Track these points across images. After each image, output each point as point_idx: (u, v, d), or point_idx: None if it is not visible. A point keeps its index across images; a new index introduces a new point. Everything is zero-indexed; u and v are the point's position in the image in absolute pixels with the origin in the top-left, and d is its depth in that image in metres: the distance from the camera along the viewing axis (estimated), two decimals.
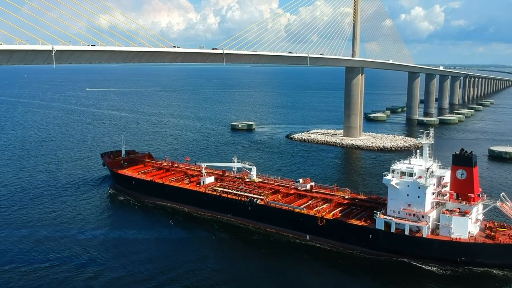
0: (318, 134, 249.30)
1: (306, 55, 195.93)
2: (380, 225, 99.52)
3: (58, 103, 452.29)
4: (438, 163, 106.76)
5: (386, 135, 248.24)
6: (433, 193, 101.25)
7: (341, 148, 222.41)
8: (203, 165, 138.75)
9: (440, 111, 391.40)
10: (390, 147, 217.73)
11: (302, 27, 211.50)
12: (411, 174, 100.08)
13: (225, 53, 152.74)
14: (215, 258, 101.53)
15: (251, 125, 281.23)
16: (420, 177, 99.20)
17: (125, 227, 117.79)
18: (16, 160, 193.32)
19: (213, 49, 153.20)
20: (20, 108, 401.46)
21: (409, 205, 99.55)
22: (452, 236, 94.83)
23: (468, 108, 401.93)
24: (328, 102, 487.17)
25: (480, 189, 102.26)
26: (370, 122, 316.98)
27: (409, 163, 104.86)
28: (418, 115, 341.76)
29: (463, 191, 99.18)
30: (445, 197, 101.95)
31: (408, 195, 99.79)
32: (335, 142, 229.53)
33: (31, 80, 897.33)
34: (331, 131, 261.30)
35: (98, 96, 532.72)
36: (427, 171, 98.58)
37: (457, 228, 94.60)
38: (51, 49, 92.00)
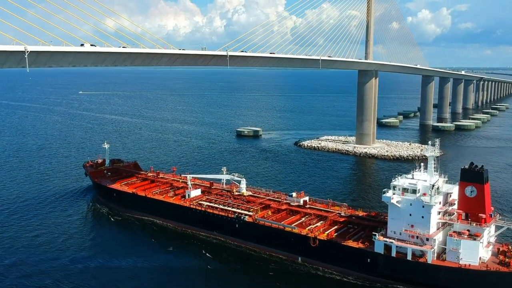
0: (328, 142, 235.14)
1: (318, 58, 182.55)
2: (379, 248, 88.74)
3: (60, 107, 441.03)
4: (444, 177, 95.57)
5: (401, 143, 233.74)
6: (439, 213, 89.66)
7: (353, 157, 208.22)
8: (189, 176, 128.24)
9: (454, 116, 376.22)
10: (407, 156, 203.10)
11: (309, 30, 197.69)
12: (414, 191, 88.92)
13: (230, 55, 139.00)
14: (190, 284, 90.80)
15: (258, 131, 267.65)
16: (424, 194, 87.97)
17: (104, 249, 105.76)
18: (7, 170, 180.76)
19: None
20: (20, 112, 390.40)
21: (412, 226, 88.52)
22: (460, 263, 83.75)
23: (484, 113, 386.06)
24: (337, 106, 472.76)
25: (493, 208, 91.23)
26: (382, 127, 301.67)
27: (412, 178, 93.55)
28: (432, 121, 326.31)
29: (473, 211, 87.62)
30: (452, 217, 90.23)
31: (410, 214, 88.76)
32: (347, 150, 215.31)
33: (36, 83, 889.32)
34: (342, 138, 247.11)
35: (102, 100, 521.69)
36: (432, 188, 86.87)
37: (466, 253, 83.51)
38: (23, 50, 78.88)
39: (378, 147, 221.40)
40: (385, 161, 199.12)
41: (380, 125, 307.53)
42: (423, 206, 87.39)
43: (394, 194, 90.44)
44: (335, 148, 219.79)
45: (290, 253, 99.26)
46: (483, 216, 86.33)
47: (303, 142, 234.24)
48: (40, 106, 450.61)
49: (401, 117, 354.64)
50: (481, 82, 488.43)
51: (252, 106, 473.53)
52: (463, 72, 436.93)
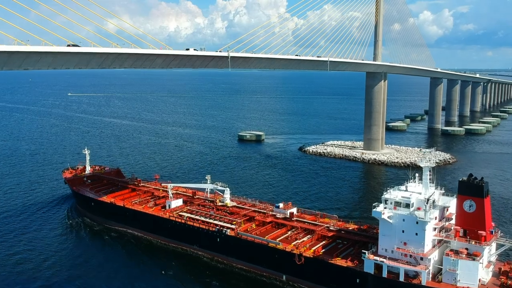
0: (335, 147, 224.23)
1: (326, 59, 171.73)
2: (369, 268, 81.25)
3: (58, 109, 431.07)
4: (441, 189, 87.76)
5: (410, 148, 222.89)
6: (434, 229, 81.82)
7: (361, 164, 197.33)
8: (170, 185, 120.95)
9: (462, 119, 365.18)
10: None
11: (312, 31, 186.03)
12: (407, 205, 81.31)
13: (231, 56, 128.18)
14: None
15: (260, 135, 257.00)
16: (418, 208, 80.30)
17: (78, 268, 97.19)
18: None
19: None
20: (17, 115, 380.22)
21: (405, 243, 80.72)
22: (458, 285, 76.28)
23: (493, 116, 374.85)
24: (342, 109, 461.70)
25: (494, 224, 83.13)
26: (389, 132, 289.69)
27: (406, 190, 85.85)
28: (441, 124, 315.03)
29: (471, 227, 79.48)
30: (449, 234, 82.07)
31: (403, 231, 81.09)
32: (355, 157, 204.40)
33: (36, 85, 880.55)
34: (349, 143, 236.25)
35: (101, 102, 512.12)
36: (427, 202, 79.22)
37: (464, 275, 75.85)
38: None
39: (387, 153, 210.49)
40: (395, 169, 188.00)
41: (387, 129, 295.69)
42: (417, 222, 79.57)
43: (385, 208, 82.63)
44: (342, 154, 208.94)
45: (275, 271, 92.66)
46: (483, 233, 78.29)
47: (308, 148, 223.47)
48: (61, 111, 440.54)
49: (408, 120, 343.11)
50: (489, 84, 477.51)
51: (254, 108, 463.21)
52: (478, 75, 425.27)
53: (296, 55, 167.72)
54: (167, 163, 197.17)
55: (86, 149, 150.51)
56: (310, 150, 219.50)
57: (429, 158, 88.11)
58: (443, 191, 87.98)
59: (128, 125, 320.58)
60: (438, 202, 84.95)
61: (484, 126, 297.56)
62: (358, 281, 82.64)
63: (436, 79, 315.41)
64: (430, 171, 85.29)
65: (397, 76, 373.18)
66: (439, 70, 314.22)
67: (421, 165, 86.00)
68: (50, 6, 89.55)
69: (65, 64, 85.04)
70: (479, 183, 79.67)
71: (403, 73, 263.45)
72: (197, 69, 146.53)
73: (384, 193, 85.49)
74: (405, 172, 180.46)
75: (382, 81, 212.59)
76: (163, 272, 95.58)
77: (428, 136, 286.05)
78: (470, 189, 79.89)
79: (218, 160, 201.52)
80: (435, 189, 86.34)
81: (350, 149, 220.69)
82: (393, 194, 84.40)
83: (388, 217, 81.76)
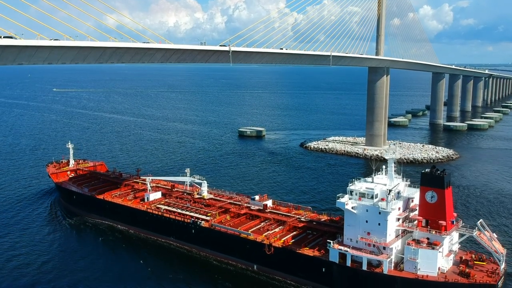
0: (336, 143, 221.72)
1: (329, 54, 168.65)
2: (334, 257, 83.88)
3: (58, 105, 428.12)
4: (407, 181, 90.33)
5: (413, 144, 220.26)
6: (398, 219, 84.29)
7: (364, 160, 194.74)
8: (148, 178, 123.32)
9: (463, 114, 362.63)
10: (421, 159, 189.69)
11: (314, 26, 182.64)
12: (371, 196, 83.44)
13: (232, 51, 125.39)
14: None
15: (261, 131, 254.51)
16: (382, 199, 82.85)
17: (55, 258, 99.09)
18: None
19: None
20: (16, 111, 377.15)
21: (368, 233, 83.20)
22: (418, 273, 78.81)
23: (495, 111, 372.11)
24: (343, 104, 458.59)
25: (455, 215, 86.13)
26: (391, 127, 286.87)
27: (372, 182, 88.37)
28: (443, 120, 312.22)
29: (433, 218, 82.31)
30: (412, 224, 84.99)
31: (367, 221, 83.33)
32: (357, 153, 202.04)
33: (35, 80, 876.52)
34: (351, 139, 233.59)
35: (101, 98, 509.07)
36: (389, 193, 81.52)
37: (424, 263, 78.74)
38: None
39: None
40: (398, 165, 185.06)
41: (389, 124, 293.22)
42: (379, 213, 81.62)
43: (351, 199, 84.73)
44: (344, 150, 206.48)
45: (246, 261, 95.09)
46: (443, 223, 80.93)
47: (310, 144, 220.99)
48: (60, 107, 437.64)
49: (409, 115, 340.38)
50: (490, 79, 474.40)
51: (255, 104, 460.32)
52: (487, 71, 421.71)
53: (298, 50, 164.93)
54: (163, 158, 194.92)
55: (69, 143, 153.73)
56: (312, 146, 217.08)
57: (393, 150, 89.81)
58: (409, 183, 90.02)
59: (127, 120, 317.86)
60: (403, 193, 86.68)
61: (486, 122, 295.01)
62: (324, 270, 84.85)
63: (438, 74, 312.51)
64: (395, 163, 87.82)
65: (397, 71, 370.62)
66: (442, 65, 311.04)
67: (386, 157, 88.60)
68: (50, 1, 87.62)
69: (61, 58, 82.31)
70: (440, 175, 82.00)
71: (406, 68, 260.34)
72: (198, 65, 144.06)
73: (350, 184, 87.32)
74: (407, 168, 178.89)
75: (385, 76, 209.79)
76: (141, 261, 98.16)
77: (430, 132, 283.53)
78: (431, 181, 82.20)
79: (217, 157, 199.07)
80: (402, 180, 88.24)
81: (352, 145, 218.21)
82: (358, 185, 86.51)
83: (352, 208, 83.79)
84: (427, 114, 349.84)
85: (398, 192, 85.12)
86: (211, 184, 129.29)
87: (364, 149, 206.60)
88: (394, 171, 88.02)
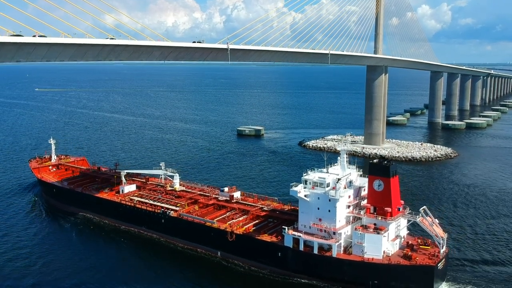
0: (335, 141, 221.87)
1: (327, 52, 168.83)
2: (288, 242, 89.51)
3: (57, 105, 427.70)
4: (359, 171, 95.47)
5: (411, 143, 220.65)
6: (348, 206, 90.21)
7: (362, 159, 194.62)
8: (123, 172, 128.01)
9: (462, 113, 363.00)
10: (420, 157, 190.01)
11: (312, 26, 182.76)
12: (323, 185, 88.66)
13: (231, 49, 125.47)
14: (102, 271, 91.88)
15: (260, 130, 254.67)
16: (333, 188, 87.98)
17: (36, 249, 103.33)
18: None
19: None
20: (16, 110, 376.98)
21: (320, 219, 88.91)
22: (364, 256, 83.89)
23: (493, 110, 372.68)
24: (341, 103, 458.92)
25: (402, 202, 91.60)
26: (389, 126, 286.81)
27: (326, 172, 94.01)
28: (441, 118, 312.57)
29: (380, 205, 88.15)
30: (362, 211, 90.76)
31: (318, 208, 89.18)
32: (355, 151, 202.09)
33: (33, 80, 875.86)
34: (349, 138, 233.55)
35: (100, 97, 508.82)
36: (338, 182, 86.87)
37: (370, 247, 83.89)
38: None
39: (388, 147, 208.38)
40: (396, 163, 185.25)
41: (387, 123, 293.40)
42: (329, 200, 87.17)
43: (305, 188, 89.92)
44: (341, 149, 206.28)
45: (211, 248, 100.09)
46: (389, 209, 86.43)
47: (308, 142, 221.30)
48: (60, 106, 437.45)
49: (408, 114, 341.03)
50: (488, 78, 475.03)
51: (253, 103, 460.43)
52: (487, 70, 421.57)
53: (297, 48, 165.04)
54: (163, 156, 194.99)
55: (52, 139, 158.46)
56: (310, 145, 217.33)
57: (345, 142, 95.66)
58: (361, 173, 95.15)
59: (128, 120, 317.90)
60: (355, 182, 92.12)
61: (485, 120, 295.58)
62: (279, 255, 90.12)
63: (437, 73, 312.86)
64: (346, 154, 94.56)
65: (396, 70, 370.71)
66: (441, 64, 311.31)
67: (338, 149, 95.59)
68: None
69: (60, 56, 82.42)
70: (386, 165, 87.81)
71: (404, 67, 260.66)
72: (197, 65, 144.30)
73: (304, 174, 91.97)
74: (405, 166, 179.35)
75: (383, 74, 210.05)
76: (114, 250, 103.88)
77: (428, 130, 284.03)
78: (378, 170, 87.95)
79: (215, 156, 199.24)
80: (353, 170, 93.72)
81: (350, 143, 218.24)
82: (312, 175, 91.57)
83: (305, 196, 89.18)
84: (426, 113, 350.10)
85: (350, 182, 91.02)
86: (209, 183, 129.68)
87: (363, 147, 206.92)
88: (347, 161, 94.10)
